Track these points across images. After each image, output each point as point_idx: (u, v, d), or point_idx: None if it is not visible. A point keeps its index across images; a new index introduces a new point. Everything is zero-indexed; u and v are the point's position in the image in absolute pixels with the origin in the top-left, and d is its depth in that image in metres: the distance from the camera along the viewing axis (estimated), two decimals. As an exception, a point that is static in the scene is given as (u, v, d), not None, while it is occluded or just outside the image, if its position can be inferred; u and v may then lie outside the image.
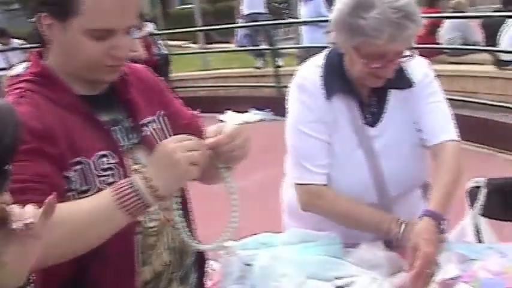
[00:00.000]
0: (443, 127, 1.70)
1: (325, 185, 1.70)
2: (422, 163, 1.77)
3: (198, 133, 1.20)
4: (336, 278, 1.56)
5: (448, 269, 1.47)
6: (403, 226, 1.61)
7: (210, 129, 1.20)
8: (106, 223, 1.09)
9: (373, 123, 1.71)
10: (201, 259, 1.44)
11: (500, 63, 6.40)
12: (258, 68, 9.10)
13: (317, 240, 1.67)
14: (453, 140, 1.70)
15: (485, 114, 5.53)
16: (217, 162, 1.20)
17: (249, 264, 1.58)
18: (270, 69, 8.30)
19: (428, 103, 1.71)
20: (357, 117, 1.69)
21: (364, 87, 1.70)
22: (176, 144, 1.10)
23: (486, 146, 5.19)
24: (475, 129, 4.87)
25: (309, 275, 1.56)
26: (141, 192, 1.09)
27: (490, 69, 6.52)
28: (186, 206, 1.31)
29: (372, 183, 1.70)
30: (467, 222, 2.04)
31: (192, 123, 1.39)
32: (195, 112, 1.43)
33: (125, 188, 1.09)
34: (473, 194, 2.10)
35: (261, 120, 7.18)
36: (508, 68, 6.29)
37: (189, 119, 1.41)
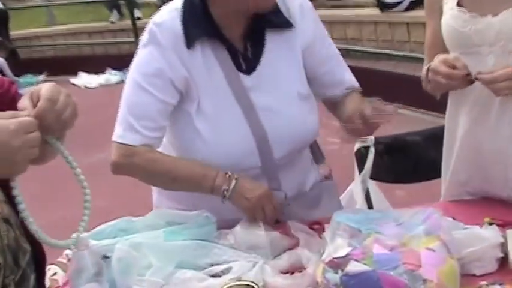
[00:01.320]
0: (346, 74, 1.80)
1: (150, 146, 1.67)
2: (310, 119, 1.77)
3: (13, 103, 1.14)
4: (211, 265, 1.55)
5: (336, 246, 1.42)
6: (233, 181, 1.61)
7: (23, 98, 1.15)
8: None
9: (248, 72, 1.70)
10: (38, 256, 1.38)
11: (383, 6, 6.50)
12: (113, 22, 8.80)
13: (186, 222, 1.64)
14: (358, 90, 1.80)
15: (370, 63, 5.64)
16: (45, 135, 1.15)
17: (106, 257, 1.54)
18: (127, 23, 8.06)
19: (320, 47, 1.75)
20: (229, 65, 1.67)
21: (234, 29, 1.68)
22: (11, 129, 1.05)
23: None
24: (359, 80, 4.94)
25: (179, 264, 1.53)
26: None
27: (374, 12, 6.64)
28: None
29: (254, 144, 1.70)
30: (355, 187, 2.09)
31: (4, 92, 1.32)
32: (8, 78, 1.37)
33: None
34: (361, 155, 2.15)
35: (120, 82, 6.98)
36: (393, 10, 6.42)
37: (2, 87, 1.33)
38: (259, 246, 1.58)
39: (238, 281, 1.38)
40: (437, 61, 1.64)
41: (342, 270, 1.34)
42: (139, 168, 1.67)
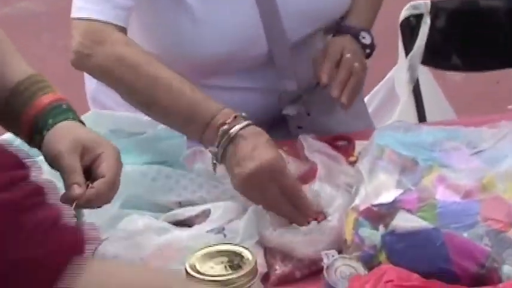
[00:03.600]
0: None
1: (122, 28, 1.64)
2: None
3: None
4: (178, 205, 1.49)
5: (378, 185, 1.36)
6: (242, 122, 1.50)
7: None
8: None
9: None
10: None
11: None
12: None
13: (140, 133, 1.57)
14: None
15: None
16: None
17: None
18: None
19: None
20: None
21: None
22: None
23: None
24: None
25: (126, 202, 1.45)
26: None
27: None
28: None
29: (259, 21, 1.71)
30: (399, 75, 2.06)
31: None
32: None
33: None
34: (409, 27, 2.12)
35: None
36: None
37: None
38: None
39: (217, 245, 1.24)
40: None
41: (386, 226, 1.30)
42: (100, 61, 1.63)
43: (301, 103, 1.76)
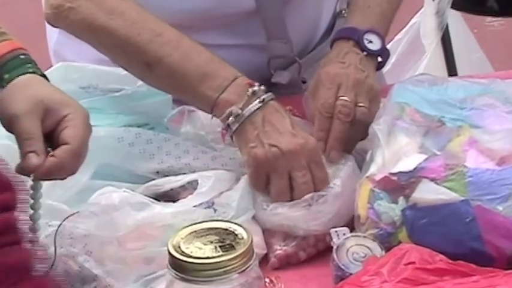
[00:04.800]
0: None
1: None
2: None
3: None
4: (159, 174, 1.49)
5: (397, 150, 1.34)
6: (263, 94, 1.50)
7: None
8: None
9: None
10: None
11: None
12: None
13: (121, 89, 1.57)
14: None
15: None
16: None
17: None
18: None
19: None
20: None
21: None
22: None
23: None
24: None
25: (99, 171, 1.46)
26: None
27: None
28: None
29: None
30: (425, 21, 2.06)
31: None
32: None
33: None
34: None
35: None
36: None
37: None
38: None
39: (206, 221, 1.20)
40: None
41: (407, 198, 1.28)
42: (102, 24, 1.61)
43: (295, 69, 1.75)
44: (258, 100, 1.51)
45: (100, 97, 1.56)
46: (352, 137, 1.51)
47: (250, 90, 1.51)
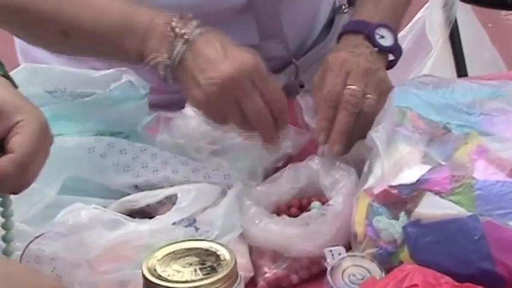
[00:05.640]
0: None
1: None
2: None
3: None
4: (136, 189, 1.48)
5: (398, 160, 1.33)
6: (192, 22, 1.51)
7: None
8: None
9: None
10: None
11: None
12: None
13: (92, 93, 1.55)
14: None
15: None
16: None
17: None
18: None
19: None
20: None
21: None
22: None
23: None
24: None
25: (68, 184, 1.45)
26: None
27: None
28: None
29: None
30: (431, 13, 2.08)
31: None
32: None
33: None
34: None
35: None
36: None
37: None
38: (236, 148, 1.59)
39: (185, 241, 1.19)
40: None
41: (408, 213, 1.27)
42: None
43: (291, 72, 1.77)
44: (181, 42, 1.50)
45: (68, 102, 1.54)
46: (355, 131, 1.50)
47: (170, 31, 1.51)
